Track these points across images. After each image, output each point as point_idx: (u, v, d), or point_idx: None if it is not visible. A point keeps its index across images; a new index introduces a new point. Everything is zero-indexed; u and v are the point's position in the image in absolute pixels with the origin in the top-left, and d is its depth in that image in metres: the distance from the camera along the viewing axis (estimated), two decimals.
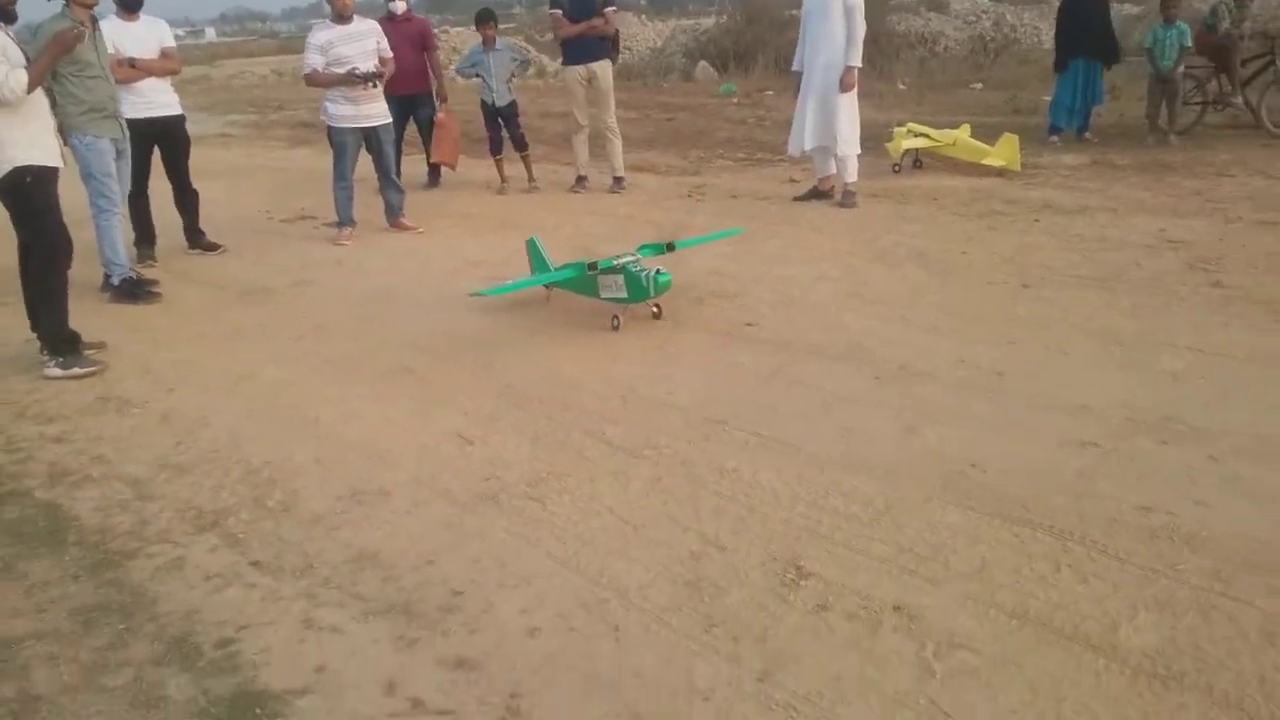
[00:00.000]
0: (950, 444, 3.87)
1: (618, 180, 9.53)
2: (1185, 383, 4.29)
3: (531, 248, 6.12)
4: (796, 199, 8.69)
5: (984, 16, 25.27)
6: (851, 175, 8.34)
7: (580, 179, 9.68)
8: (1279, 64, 10.33)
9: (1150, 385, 4.28)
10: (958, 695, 2.49)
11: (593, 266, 5.44)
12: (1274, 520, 3.17)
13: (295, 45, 45.81)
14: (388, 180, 8.26)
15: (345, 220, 8.18)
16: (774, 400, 4.43)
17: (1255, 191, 7.80)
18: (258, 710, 2.65)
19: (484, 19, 9.69)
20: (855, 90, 8.25)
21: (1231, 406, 4.02)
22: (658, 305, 5.53)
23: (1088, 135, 10.77)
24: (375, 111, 7.89)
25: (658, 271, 5.30)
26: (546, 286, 5.95)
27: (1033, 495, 3.43)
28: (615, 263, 5.39)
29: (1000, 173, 9.05)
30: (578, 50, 9.25)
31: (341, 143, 7.88)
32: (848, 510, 3.43)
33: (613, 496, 3.67)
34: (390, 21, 9.18)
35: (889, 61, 19.74)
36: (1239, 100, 10.58)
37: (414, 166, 10.03)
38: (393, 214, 8.39)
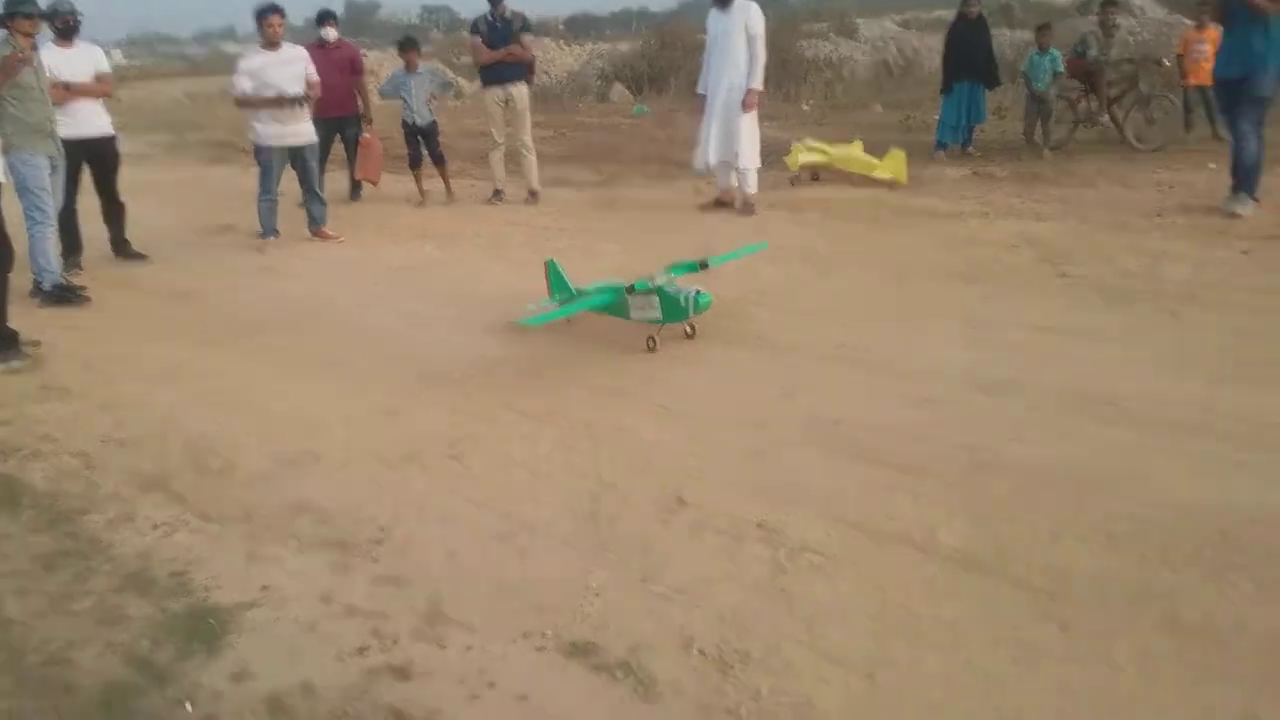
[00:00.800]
0: (820, 405, 4.44)
1: (533, 194, 10.04)
2: (1021, 352, 4.92)
3: (551, 270, 5.93)
4: (701, 207, 9.28)
5: (890, 42, 26.43)
6: (751, 187, 8.96)
7: (497, 192, 10.16)
8: (1141, 86, 11.25)
9: (992, 355, 4.90)
10: (803, 584, 3.03)
11: (631, 289, 5.37)
12: (1073, 450, 3.80)
13: (207, 68, 45.41)
14: (311, 194, 8.66)
15: (269, 230, 8.56)
16: (671, 375, 4.97)
17: (1112, 199, 8.59)
18: (211, 620, 3.08)
19: (407, 46, 10.28)
20: (756, 111, 8.91)
21: (1056, 369, 4.66)
22: (692, 325, 5.46)
23: (971, 150, 11.58)
24: (301, 131, 8.34)
25: (698, 292, 5.25)
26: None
27: (882, 441, 4.01)
28: (651, 284, 5.33)
29: (889, 184, 9.75)
30: (496, 73, 9.79)
31: (268, 161, 8.30)
32: (726, 456, 3.98)
33: (523, 454, 4.15)
34: (321, 49, 9.64)
35: (796, 84, 20.59)
36: (1105, 118, 11.51)
37: (337, 183, 10.41)
38: (315, 224, 8.78)
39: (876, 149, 10.44)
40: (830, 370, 4.90)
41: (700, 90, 9.20)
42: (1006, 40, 20.44)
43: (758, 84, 8.78)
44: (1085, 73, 11.49)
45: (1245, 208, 7.67)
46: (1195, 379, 4.47)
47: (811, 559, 3.16)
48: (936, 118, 12.30)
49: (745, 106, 8.76)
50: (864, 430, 4.13)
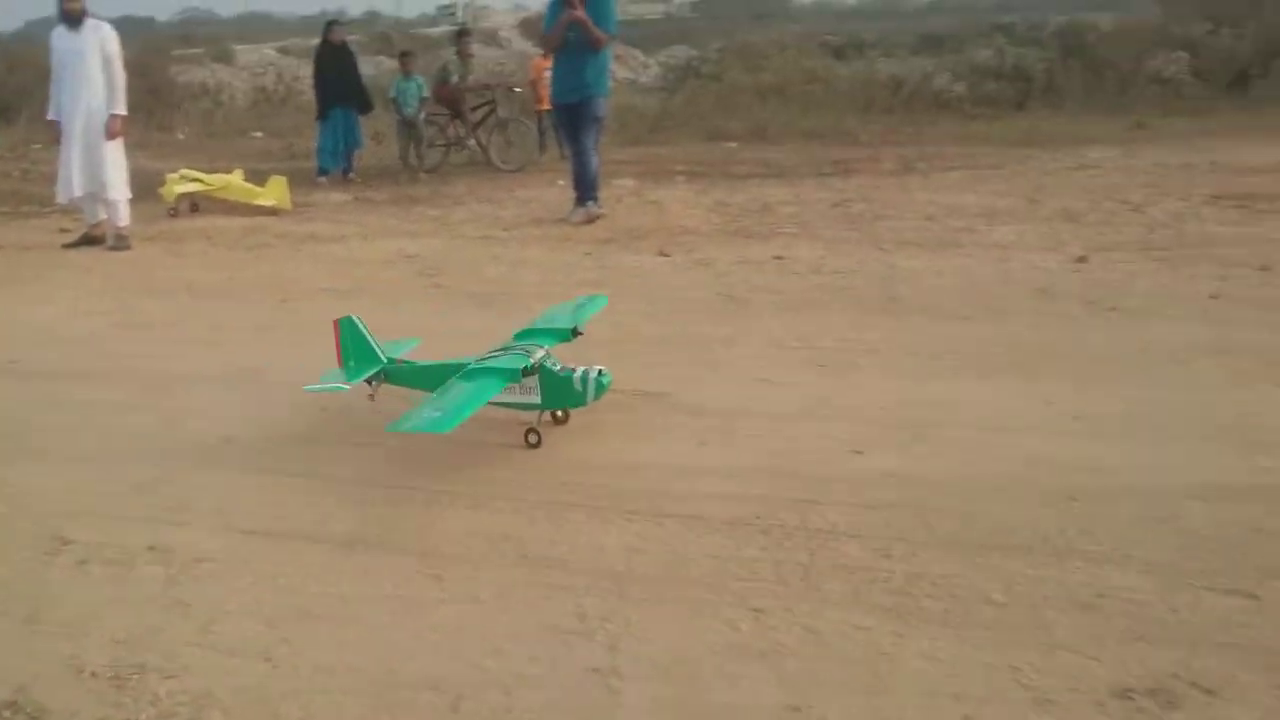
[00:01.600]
0: (209, 427, 4.50)
1: None
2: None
3: (348, 331, 4.41)
4: (67, 246, 8.67)
5: (270, 68, 26.27)
6: (123, 219, 8.56)
7: None
8: (499, 111, 12.53)
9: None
10: (198, 593, 3.14)
11: (527, 370, 4.07)
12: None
13: None
14: None
15: None
16: (45, 418, 4.70)
17: (479, 215, 9.56)
18: None
19: None
20: (121, 139, 8.53)
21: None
22: (565, 410, 4.31)
23: (352, 175, 12.07)
24: None
25: (600, 372, 4.11)
26: (371, 382, 4.42)
27: (281, 451, 4.21)
28: (532, 361, 4.08)
29: (273, 211, 9.86)
30: None
31: None
32: (110, 490, 3.91)
33: None
34: None
35: (170, 112, 19.69)
36: (472, 142, 12.64)
37: None
38: None
39: (259, 177, 10.49)
40: (222, 393, 4.97)
41: (52, 116, 8.61)
42: (386, 67, 21.41)
43: (120, 109, 8.45)
44: (450, 98, 12.52)
45: (592, 214, 8.94)
46: None
47: (206, 567, 3.28)
48: (316, 145, 12.63)
49: (109, 134, 8.37)
50: (258, 444, 4.30)
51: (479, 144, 12.69)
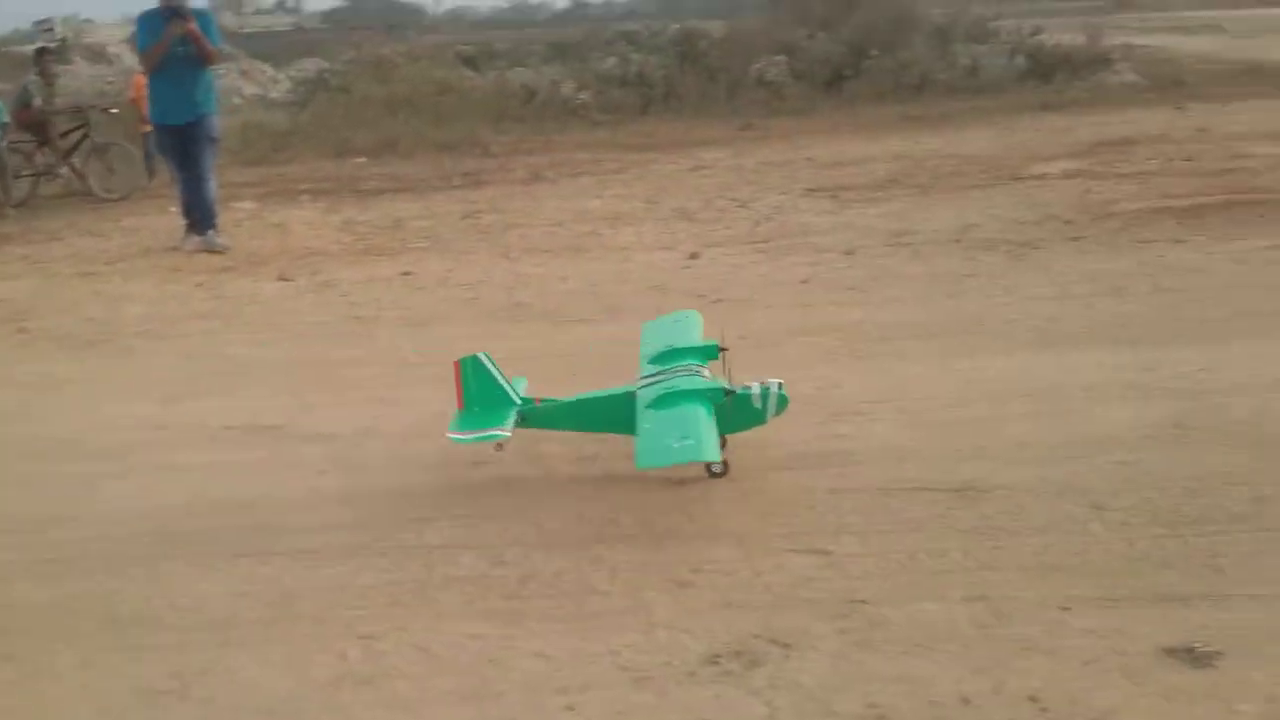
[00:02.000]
0: None
1: None
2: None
3: (474, 372, 3.85)
4: None
5: None
6: None
7: None
8: (93, 136, 11.51)
9: None
10: None
11: (729, 393, 3.67)
12: (24, 491, 3.92)
13: None
14: None
15: None
16: None
17: (79, 250, 8.73)
18: None
19: None
20: None
21: (13, 421, 4.71)
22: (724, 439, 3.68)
23: None
24: None
25: (780, 385, 3.72)
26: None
27: None
28: (716, 384, 3.69)
29: None
30: None
31: None
32: None
33: None
34: None
35: None
36: (65, 170, 11.51)
37: None
38: None
39: None
40: None
41: None
42: None
43: None
44: (33, 123, 11.35)
45: (213, 243, 8.38)
46: (150, 403, 4.89)
47: None
48: None
49: None
50: None
51: (74, 171, 11.58)
